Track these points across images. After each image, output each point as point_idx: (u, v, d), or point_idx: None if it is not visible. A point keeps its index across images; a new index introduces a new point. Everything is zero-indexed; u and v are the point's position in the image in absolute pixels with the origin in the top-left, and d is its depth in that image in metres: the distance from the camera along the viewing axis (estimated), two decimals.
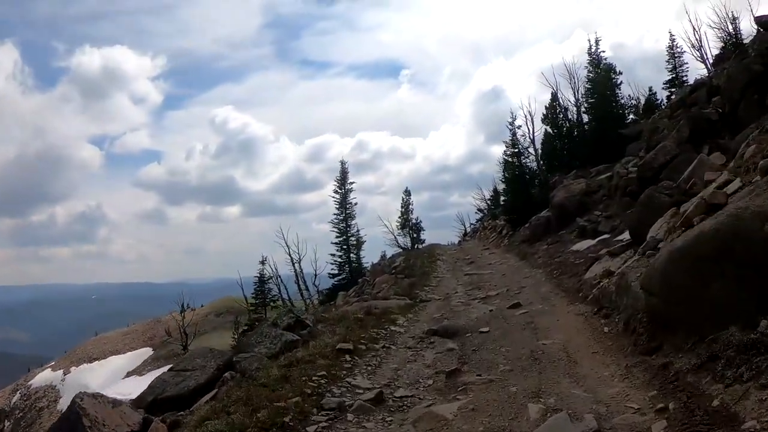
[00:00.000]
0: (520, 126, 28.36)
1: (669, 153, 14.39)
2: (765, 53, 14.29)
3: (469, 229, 43.24)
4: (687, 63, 27.37)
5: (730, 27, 23.84)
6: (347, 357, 8.45)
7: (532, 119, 30.28)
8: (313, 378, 7.47)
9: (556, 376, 6.47)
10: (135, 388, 21.04)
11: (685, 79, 26.55)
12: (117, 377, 47.51)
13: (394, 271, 24.24)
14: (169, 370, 10.61)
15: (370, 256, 36.89)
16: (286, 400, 6.40)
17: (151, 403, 9.27)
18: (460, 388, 6.67)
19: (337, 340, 9.13)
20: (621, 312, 7.64)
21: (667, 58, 27.55)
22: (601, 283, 9.09)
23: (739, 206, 6.02)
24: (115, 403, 8.25)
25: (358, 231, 36.42)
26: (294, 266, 36.26)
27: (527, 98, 37.72)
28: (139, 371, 47.00)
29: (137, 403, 9.40)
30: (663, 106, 25.81)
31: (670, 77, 27.37)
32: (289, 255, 36.00)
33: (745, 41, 23.48)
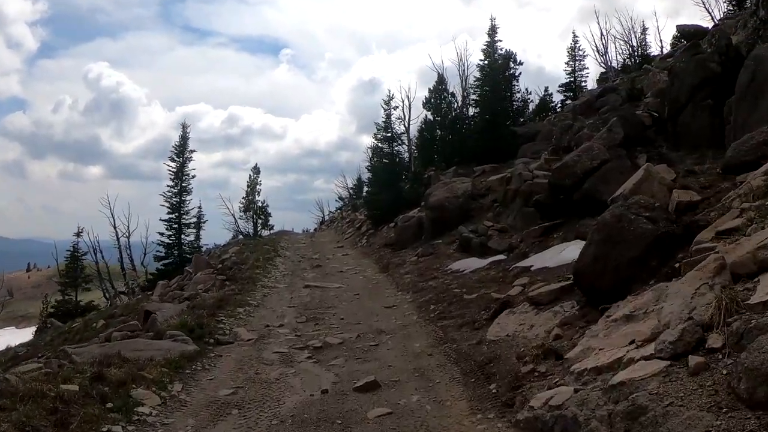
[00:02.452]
0: (397, 107, 24.14)
1: (597, 157, 10.61)
2: (724, 51, 10.97)
3: (327, 217, 38.96)
4: (588, 68, 25.05)
5: (635, 40, 21.92)
6: None
7: (410, 104, 26.42)
8: None
9: None
10: None
11: (584, 84, 23.92)
12: None
13: (220, 265, 18.71)
14: None
15: (220, 238, 31.45)
16: None
17: None
18: None
19: None
20: None
21: (567, 60, 24.80)
22: (550, 399, 4.44)
23: None
24: None
25: (200, 209, 30.06)
26: (118, 241, 30.38)
27: (407, 87, 34.23)
28: None
29: None
30: (558, 109, 22.82)
31: (567, 80, 24.53)
32: (114, 227, 30.07)
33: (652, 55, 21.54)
